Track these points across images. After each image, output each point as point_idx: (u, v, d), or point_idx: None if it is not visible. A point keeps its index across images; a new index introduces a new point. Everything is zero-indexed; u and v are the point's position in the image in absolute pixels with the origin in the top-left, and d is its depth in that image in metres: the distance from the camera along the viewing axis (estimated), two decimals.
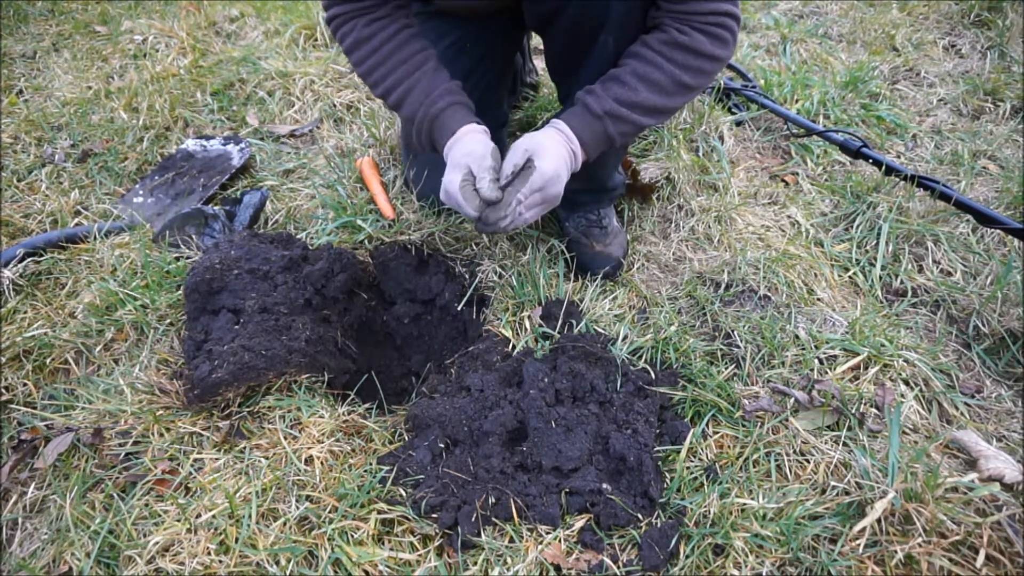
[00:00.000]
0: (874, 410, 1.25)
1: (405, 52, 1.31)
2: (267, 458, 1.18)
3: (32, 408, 1.29)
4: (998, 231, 1.64)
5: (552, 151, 1.22)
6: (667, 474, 1.19)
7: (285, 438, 1.22)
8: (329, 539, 1.06)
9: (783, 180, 1.91)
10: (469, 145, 1.26)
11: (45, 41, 2.68)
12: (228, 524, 1.07)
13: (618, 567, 1.04)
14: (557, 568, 1.06)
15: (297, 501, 1.11)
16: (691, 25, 1.18)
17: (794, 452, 1.19)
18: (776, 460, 1.18)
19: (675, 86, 1.21)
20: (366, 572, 1.03)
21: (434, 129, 1.31)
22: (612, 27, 1.25)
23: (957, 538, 0.99)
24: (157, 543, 1.05)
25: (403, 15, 1.34)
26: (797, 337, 1.40)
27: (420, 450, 1.20)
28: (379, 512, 1.10)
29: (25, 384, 1.34)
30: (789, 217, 1.75)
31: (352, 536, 1.07)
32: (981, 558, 0.98)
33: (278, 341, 1.30)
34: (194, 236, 1.63)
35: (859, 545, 1.01)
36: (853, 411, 1.23)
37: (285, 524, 1.08)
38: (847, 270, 1.62)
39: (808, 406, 1.25)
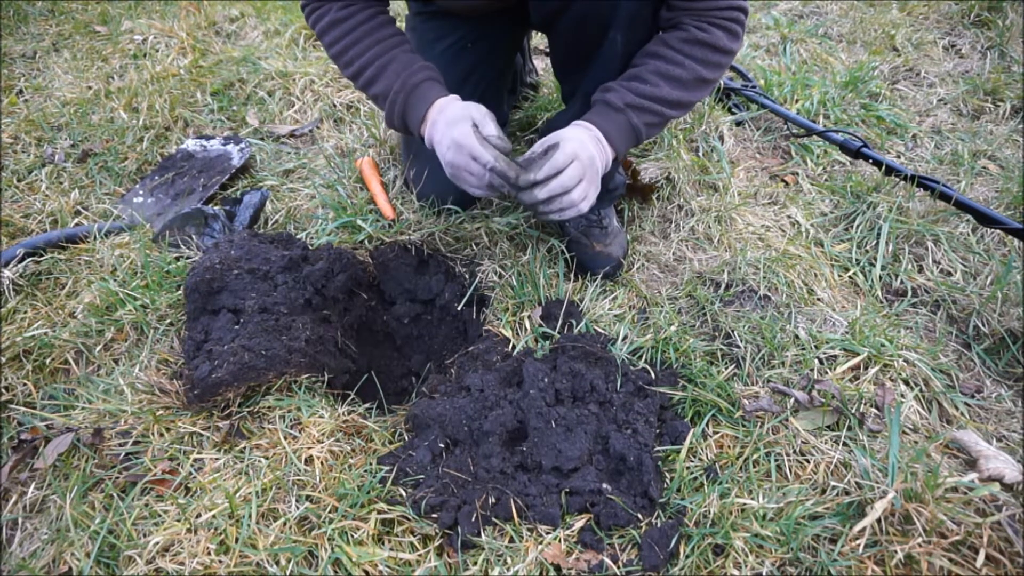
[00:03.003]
0: (874, 410, 1.25)
1: (381, 33, 1.32)
2: (267, 458, 1.18)
3: (32, 408, 1.29)
4: (998, 231, 1.64)
5: (571, 133, 1.22)
6: (667, 474, 1.19)
7: (285, 438, 1.22)
8: (329, 539, 1.06)
9: (783, 180, 1.91)
10: (462, 103, 1.26)
11: (45, 41, 2.68)
12: (228, 524, 1.07)
13: (618, 567, 1.04)
14: (557, 568, 1.06)
15: (297, 501, 1.11)
16: (708, 21, 1.19)
17: (794, 452, 1.19)
18: (776, 460, 1.18)
19: (695, 81, 1.23)
20: (366, 572, 1.03)
21: (410, 100, 1.29)
22: (620, 25, 1.25)
23: (957, 538, 0.99)
24: (157, 543, 1.05)
25: (376, 3, 1.34)
26: (797, 337, 1.40)
27: (420, 450, 1.20)
28: (379, 512, 1.10)
29: (25, 384, 1.34)
30: (789, 217, 1.75)
31: (352, 536, 1.07)
32: (981, 558, 0.98)
33: (278, 341, 1.30)
34: (194, 236, 1.63)
35: (859, 545, 1.01)
36: (853, 411, 1.23)
37: (285, 524, 1.08)
38: (847, 270, 1.62)
39: (808, 406, 1.25)
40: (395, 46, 1.32)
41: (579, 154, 1.20)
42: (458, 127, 1.21)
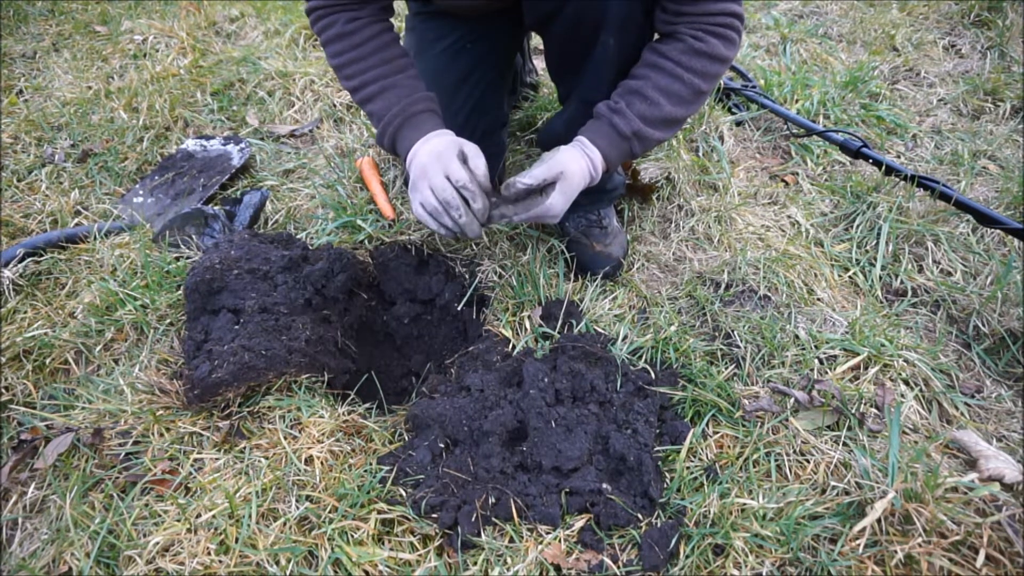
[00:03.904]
0: (874, 410, 1.25)
1: (387, 54, 1.32)
2: (267, 458, 1.18)
3: (32, 408, 1.29)
4: (998, 231, 1.64)
5: (573, 186, 1.24)
6: (667, 474, 1.19)
7: (285, 438, 1.22)
8: (329, 539, 1.06)
9: (783, 180, 1.91)
10: (456, 139, 1.27)
11: (45, 41, 2.68)
12: (228, 524, 1.07)
13: (618, 567, 1.04)
14: (557, 568, 1.06)
15: (297, 501, 1.11)
16: (704, 29, 1.19)
17: (794, 452, 1.19)
18: (776, 460, 1.18)
19: (693, 95, 1.24)
20: (366, 572, 1.03)
21: (405, 126, 1.30)
22: (612, 27, 1.25)
23: (957, 538, 0.99)
24: (157, 543, 1.05)
25: (383, 18, 1.35)
26: (797, 337, 1.40)
27: (420, 450, 1.20)
28: (379, 512, 1.10)
29: (25, 384, 1.34)
30: (789, 217, 1.75)
31: (352, 536, 1.07)
32: (981, 558, 0.98)
33: (278, 341, 1.30)
34: (194, 236, 1.63)
35: (859, 545, 1.01)
36: (853, 411, 1.23)
37: (285, 524, 1.08)
38: (847, 270, 1.62)
39: (808, 406, 1.25)
40: (401, 70, 1.33)
41: (568, 196, 1.24)
42: (445, 151, 1.23)
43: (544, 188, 1.24)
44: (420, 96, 1.31)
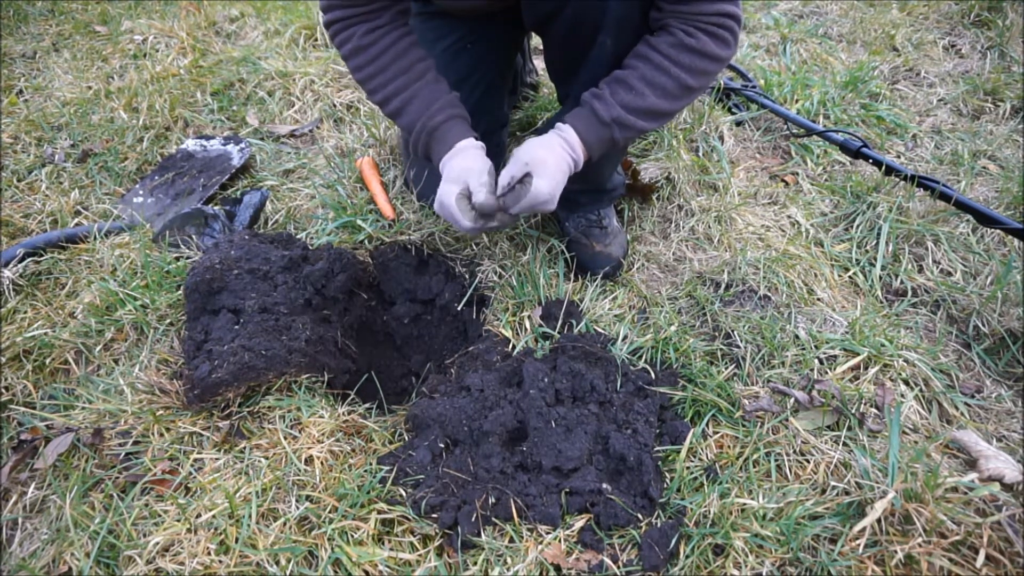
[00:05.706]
0: (874, 410, 1.25)
1: (404, 62, 1.32)
2: (267, 458, 1.18)
3: (32, 408, 1.29)
4: (998, 231, 1.64)
5: (552, 167, 1.23)
6: (667, 474, 1.19)
7: (285, 438, 1.22)
8: (329, 539, 1.06)
9: (783, 180, 1.91)
10: (467, 160, 1.28)
11: (45, 41, 2.68)
12: (228, 524, 1.07)
13: (618, 567, 1.04)
14: (557, 568, 1.06)
15: (297, 501, 1.12)
16: (696, 26, 1.18)
17: (794, 452, 1.19)
18: (776, 460, 1.18)
19: (680, 90, 1.22)
20: (366, 572, 1.03)
21: (432, 141, 1.33)
22: (610, 28, 1.25)
23: (957, 538, 0.99)
24: (157, 543, 1.05)
25: (402, 23, 1.35)
26: (797, 337, 1.40)
27: (420, 450, 1.20)
28: (379, 512, 1.10)
29: (25, 384, 1.34)
30: (789, 217, 1.75)
31: (352, 536, 1.07)
32: (981, 558, 0.98)
33: (278, 341, 1.30)
34: (194, 236, 1.63)
35: (859, 545, 1.01)
36: (853, 411, 1.23)
37: (285, 524, 1.08)
38: (847, 270, 1.62)
39: (808, 406, 1.25)
40: (419, 77, 1.33)
41: (552, 179, 1.24)
42: (449, 187, 1.26)
43: (523, 179, 1.24)
44: (438, 107, 1.31)
